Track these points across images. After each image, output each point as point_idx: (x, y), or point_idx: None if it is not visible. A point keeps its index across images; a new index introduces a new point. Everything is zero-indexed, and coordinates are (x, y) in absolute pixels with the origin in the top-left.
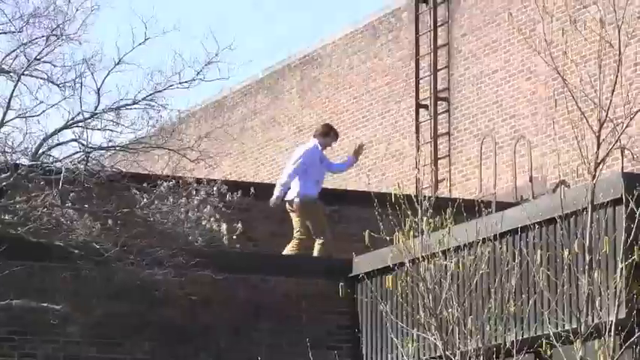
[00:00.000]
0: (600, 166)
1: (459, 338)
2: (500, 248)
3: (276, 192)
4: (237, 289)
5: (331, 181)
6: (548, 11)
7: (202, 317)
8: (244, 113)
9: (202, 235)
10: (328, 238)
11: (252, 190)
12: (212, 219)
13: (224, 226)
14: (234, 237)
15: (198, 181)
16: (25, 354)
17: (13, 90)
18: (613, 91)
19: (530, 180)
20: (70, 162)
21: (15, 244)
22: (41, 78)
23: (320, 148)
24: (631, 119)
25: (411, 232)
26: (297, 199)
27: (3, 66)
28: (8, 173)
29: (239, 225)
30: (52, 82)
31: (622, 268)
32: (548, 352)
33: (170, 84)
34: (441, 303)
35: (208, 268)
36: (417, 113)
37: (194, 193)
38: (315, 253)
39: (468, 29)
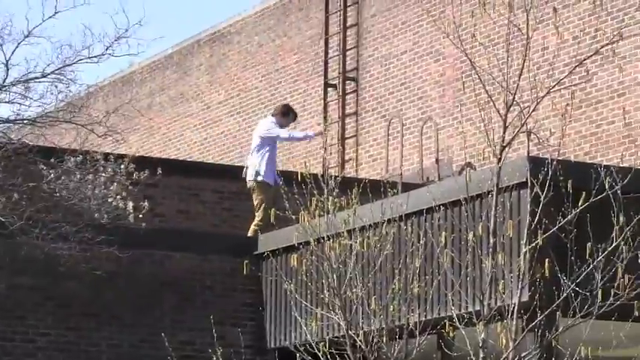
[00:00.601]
0: (506, 150)
1: (362, 318)
2: (406, 229)
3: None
4: (141, 265)
5: (238, 159)
6: None
7: (106, 293)
8: (152, 89)
9: (108, 213)
10: (266, 222)
11: (159, 169)
12: (119, 197)
13: (130, 204)
14: (141, 215)
15: (106, 156)
16: None
17: None
18: (520, 75)
19: (437, 162)
20: None
21: None
22: None
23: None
24: (538, 103)
25: (317, 212)
26: (259, 178)
27: None
28: None
29: (145, 203)
30: None
31: (526, 252)
32: (451, 334)
33: (79, 58)
34: (345, 282)
35: (113, 245)
36: (325, 93)
37: (101, 169)
38: (250, 233)
39: (377, 10)
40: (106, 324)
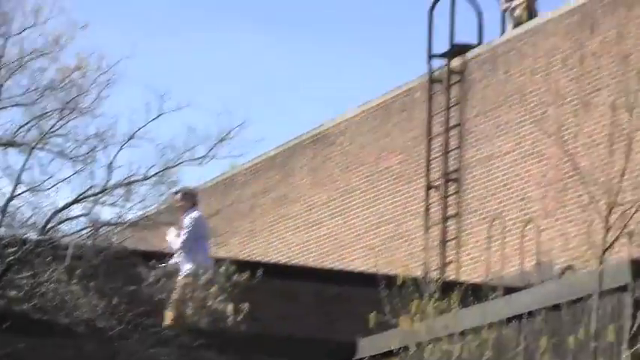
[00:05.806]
0: (607, 252)
1: None
2: (506, 334)
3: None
4: None
5: (339, 261)
6: (559, 94)
7: None
8: (255, 191)
9: (208, 315)
10: None
11: (259, 272)
12: (217, 299)
13: (230, 307)
14: (239, 318)
15: None
16: None
17: (25, 163)
18: (622, 175)
19: (538, 264)
20: (79, 237)
21: (19, 320)
22: (53, 152)
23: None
24: None
25: (417, 316)
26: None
27: (15, 139)
28: (16, 248)
29: (245, 305)
30: (64, 156)
31: (627, 357)
32: None
33: (181, 160)
34: None
35: (212, 349)
36: (427, 194)
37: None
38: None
39: (480, 110)
40: None
